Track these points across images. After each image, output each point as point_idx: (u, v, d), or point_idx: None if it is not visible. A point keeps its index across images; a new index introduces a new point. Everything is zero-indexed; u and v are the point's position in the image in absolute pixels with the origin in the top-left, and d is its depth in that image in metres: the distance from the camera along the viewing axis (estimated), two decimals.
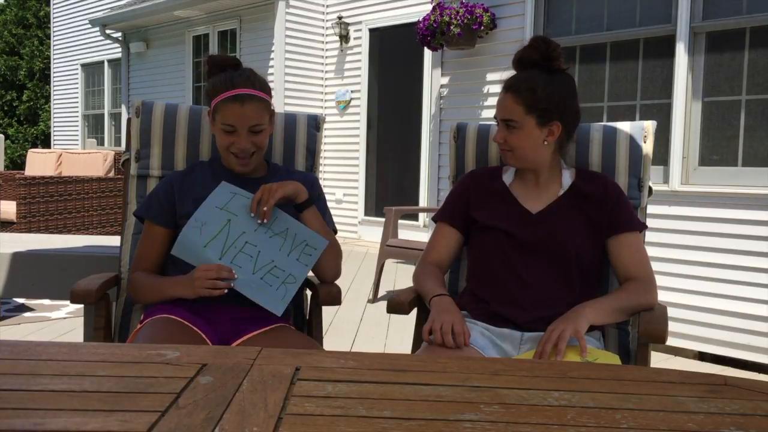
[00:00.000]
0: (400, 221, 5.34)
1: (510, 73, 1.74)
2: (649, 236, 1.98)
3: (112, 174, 6.70)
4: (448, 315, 1.58)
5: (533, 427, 0.78)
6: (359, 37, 7.97)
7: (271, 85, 1.84)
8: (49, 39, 13.66)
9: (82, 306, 2.97)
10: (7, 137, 16.31)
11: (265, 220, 1.69)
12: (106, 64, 11.17)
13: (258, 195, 1.70)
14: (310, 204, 1.78)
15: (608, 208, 1.70)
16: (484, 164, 2.02)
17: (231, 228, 1.69)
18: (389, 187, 7.90)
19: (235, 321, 1.70)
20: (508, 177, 1.81)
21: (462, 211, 1.80)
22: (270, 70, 7.89)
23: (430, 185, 5.42)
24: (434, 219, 1.87)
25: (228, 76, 1.74)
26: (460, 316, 1.60)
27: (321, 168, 8.28)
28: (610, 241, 1.71)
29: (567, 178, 1.76)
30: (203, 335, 1.65)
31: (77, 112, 11.78)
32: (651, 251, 1.78)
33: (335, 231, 1.89)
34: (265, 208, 1.68)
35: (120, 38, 10.33)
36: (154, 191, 1.82)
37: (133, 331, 1.73)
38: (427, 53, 7.05)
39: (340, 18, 8.04)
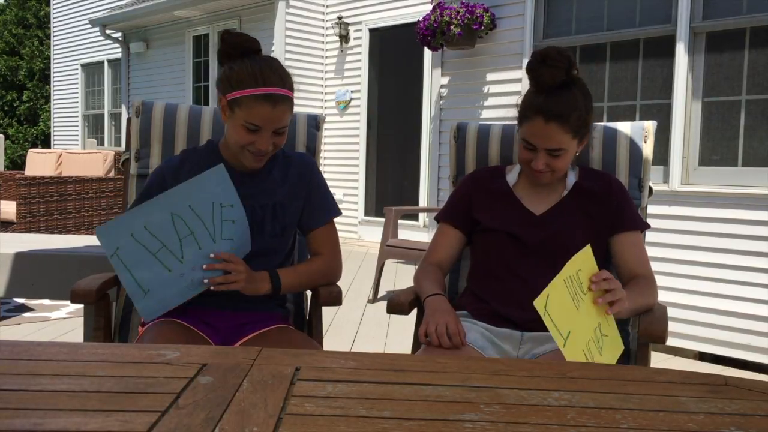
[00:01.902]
0: (400, 221, 5.34)
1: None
2: (650, 236, 1.98)
3: (112, 174, 6.70)
4: (441, 316, 1.56)
5: (533, 427, 0.77)
6: (359, 37, 7.96)
7: None
8: (49, 39, 13.66)
9: (82, 306, 2.97)
10: (7, 137, 16.31)
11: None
12: (106, 64, 11.17)
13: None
14: (277, 289, 1.67)
15: (613, 206, 1.70)
16: (484, 164, 2.02)
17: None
18: (389, 187, 7.90)
19: (237, 326, 1.69)
20: (512, 177, 1.80)
21: (464, 213, 1.80)
22: None
23: (430, 185, 5.42)
24: (437, 219, 1.86)
25: (258, 68, 1.55)
26: (453, 315, 1.58)
27: (321, 168, 8.25)
28: (613, 240, 1.71)
29: (571, 177, 1.76)
30: (205, 337, 1.65)
31: (77, 112, 11.78)
32: (651, 251, 1.78)
33: (339, 213, 1.78)
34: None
35: (120, 38, 10.33)
36: (146, 187, 1.73)
37: (134, 333, 1.73)
38: (427, 53, 7.05)
39: (340, 18, 8.04)
